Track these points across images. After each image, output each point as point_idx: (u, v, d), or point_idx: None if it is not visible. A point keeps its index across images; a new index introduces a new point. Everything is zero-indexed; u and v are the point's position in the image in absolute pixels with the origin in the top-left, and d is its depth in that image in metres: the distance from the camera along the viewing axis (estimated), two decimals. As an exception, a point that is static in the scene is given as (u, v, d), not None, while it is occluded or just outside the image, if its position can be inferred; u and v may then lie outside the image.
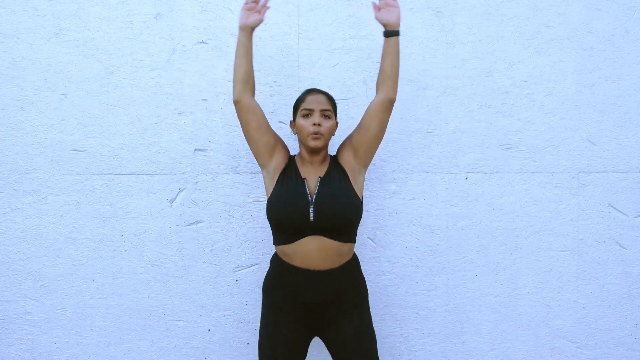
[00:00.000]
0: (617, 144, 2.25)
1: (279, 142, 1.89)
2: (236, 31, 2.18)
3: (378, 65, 2.19)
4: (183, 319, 2.20)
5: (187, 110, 2.19)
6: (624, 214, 2.25)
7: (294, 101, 1.90)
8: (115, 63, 2.18)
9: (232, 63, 2.18)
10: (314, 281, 1.74)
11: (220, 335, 2.20)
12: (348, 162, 1.85)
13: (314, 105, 1.79)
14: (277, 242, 1.82)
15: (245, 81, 1.83)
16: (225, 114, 2.19)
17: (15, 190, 2.18)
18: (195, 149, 2.19)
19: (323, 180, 1.79)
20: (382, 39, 2.20)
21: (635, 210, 2.25)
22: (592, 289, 2.25)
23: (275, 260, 1.84)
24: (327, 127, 1.79)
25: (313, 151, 1.82)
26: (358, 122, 1.89)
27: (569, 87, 2.24)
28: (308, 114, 1.79)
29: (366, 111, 1.86)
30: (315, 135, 1.76)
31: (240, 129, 2.14)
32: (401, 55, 2.21)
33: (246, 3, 1.83)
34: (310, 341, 1.85)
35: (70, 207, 2.18)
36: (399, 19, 1.84)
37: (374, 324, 2.17)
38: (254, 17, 1.84)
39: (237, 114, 1.87)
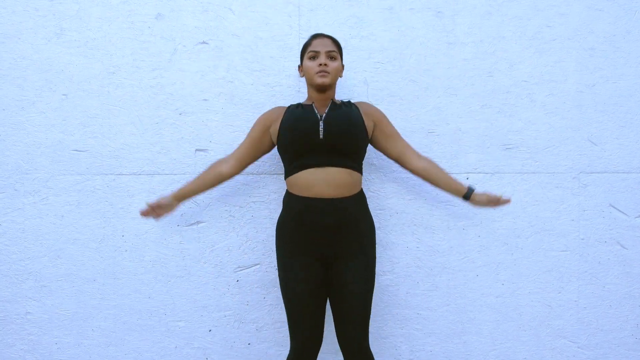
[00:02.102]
0: (618, 144, 2.25)
1: (264, 124, 1.95)
2: (237, 31, 2.20)
3: (379, 65, 2.20)
4: (184, 319, 2.20)
5: (188, 110, 2.19)
6: (625, 214, 2.25)
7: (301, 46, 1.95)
8: (116, 63, 2.19)
9: (233, 63, 2.20)
10: (323, 207, 1.77)
11: (221, 335, 2.20)
12: (368, 116, 1.92)
13: (320, 47, 1.86)
14: (287, 173, 1.86)
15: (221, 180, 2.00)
16: (226, 114, 2.19)
17: (16, 190, 2.18)
18: (196, 149, 2.19)
19: (333, 104, 1.88)
20: (381, 39, 2.21)
21: (636, 211, 2.25)
22: (593, 289, 2.25)
23: (286, 197, 1.88)
24: (333, 67, 1.86)
25: (320, 89, 1.88)
26: (393, 133, 1.96)
27: (570, 87, 2.24)
28: (314, 55, 1.87)
29: (398, 144, 1.96)
30: (321, 73, 1.84)
31: (241, 128, 2.18)
32: (402, 56, 2.22)
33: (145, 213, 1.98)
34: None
35: (71, 208, 2.18)
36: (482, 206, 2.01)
37: (375, 325, 2.19)
38: (162, 212, 1.99)
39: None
